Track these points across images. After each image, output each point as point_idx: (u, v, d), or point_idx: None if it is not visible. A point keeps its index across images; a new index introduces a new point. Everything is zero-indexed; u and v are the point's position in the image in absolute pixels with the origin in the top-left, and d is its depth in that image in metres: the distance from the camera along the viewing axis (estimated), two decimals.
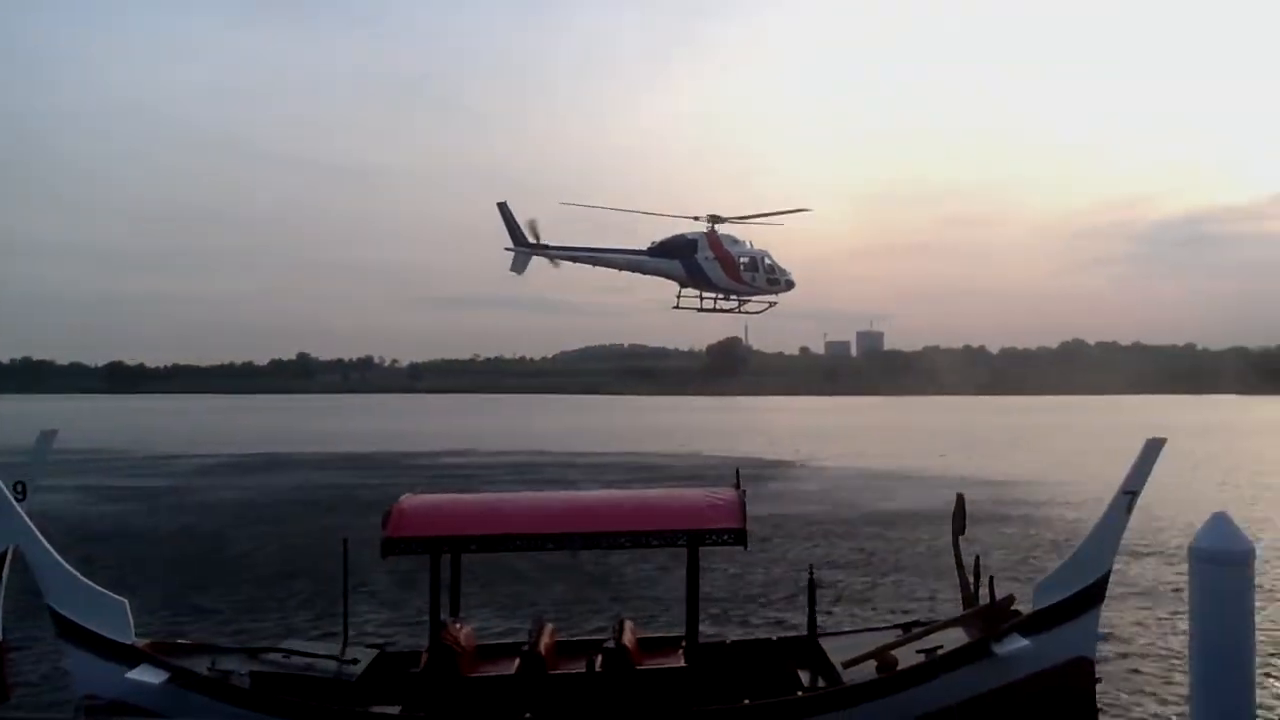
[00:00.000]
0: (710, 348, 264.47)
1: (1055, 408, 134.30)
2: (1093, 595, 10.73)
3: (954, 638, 11.08)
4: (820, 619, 13.36)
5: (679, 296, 44.39)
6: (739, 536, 10.51)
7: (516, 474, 50.11)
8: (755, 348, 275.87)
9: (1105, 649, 15.93)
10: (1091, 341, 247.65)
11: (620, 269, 44.34)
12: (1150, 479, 10.41)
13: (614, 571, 23.05)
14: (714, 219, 42.61)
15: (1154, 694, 14.01)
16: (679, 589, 13.39)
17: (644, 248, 44.07)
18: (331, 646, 11.92)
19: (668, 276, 43.87)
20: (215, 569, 24.17)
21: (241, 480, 48.42)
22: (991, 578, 11.33)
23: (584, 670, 10.56)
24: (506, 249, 42.23)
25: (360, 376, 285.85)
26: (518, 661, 10.91)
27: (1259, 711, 6.19)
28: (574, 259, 42.83)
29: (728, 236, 43.53)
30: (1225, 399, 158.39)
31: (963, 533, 11.80)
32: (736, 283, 43.51)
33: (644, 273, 44.24)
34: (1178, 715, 12.85)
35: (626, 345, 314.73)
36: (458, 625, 11.50)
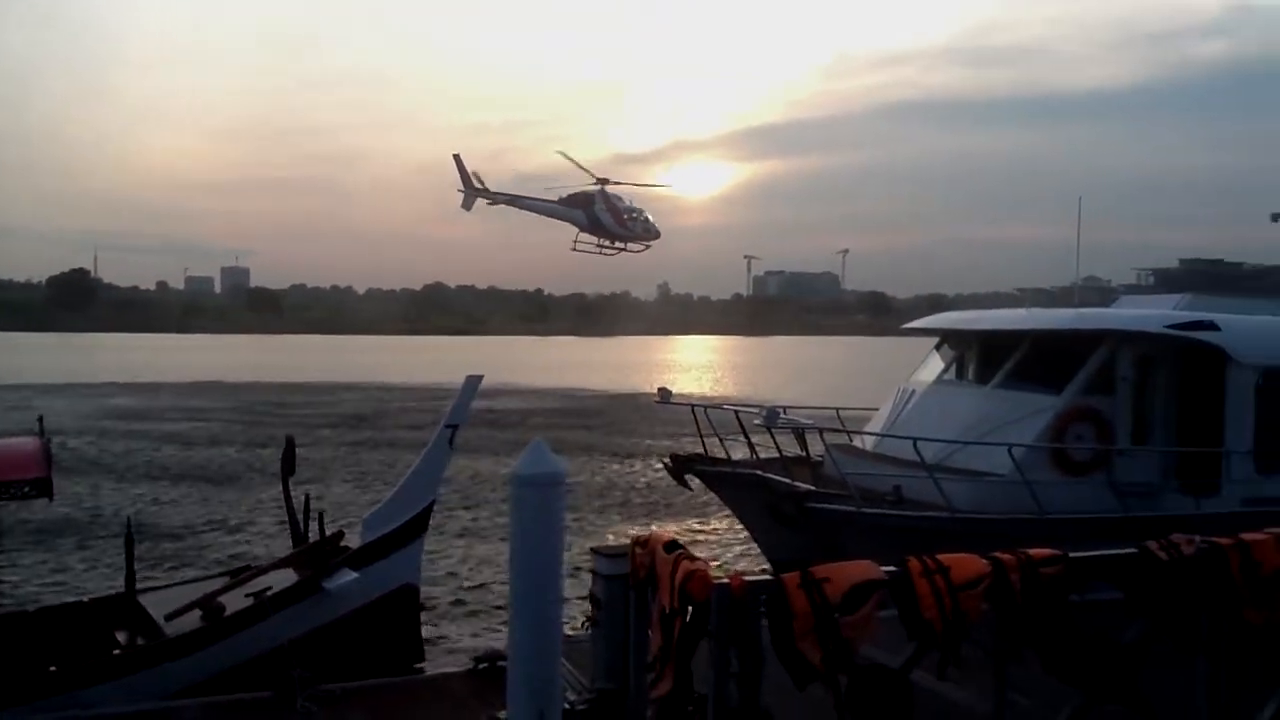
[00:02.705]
0: (51, 279, 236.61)
1: (420, 347, 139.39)
2: (417, 525, 11.13)
3: (284, 578, 10.89)
4: (144, 575, 12.43)
5: (576, 240, 55.90)
6: (42, 487, 9.26)
7: None
8: (106, 280, 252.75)
9: (439, 573, 16.82)
10: (453, 285, 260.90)
11: (538, 213, 56.25)
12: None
13: None
14: (604, 181, 54.24)
15: (478, 611, 15.03)
16: None
17: (556, 199, 55.63)
18: None
19: (572, 222, 55.27)
20: None
21: None
22: (321, 514, 11.29)
23: None
24: (458, 190, 54.71)
25: None
26: None
27: (565, 616, 6.88)
28: (506, 203, 55.35)
29: (615, 195, 55.36)
30: (564, 340, 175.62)
31: (292, 474, 11.65)
32: (623, 229, 55.14)
33: (556, 218, 55.21)
34: (499, 625, 13.83)
35: None
36: None
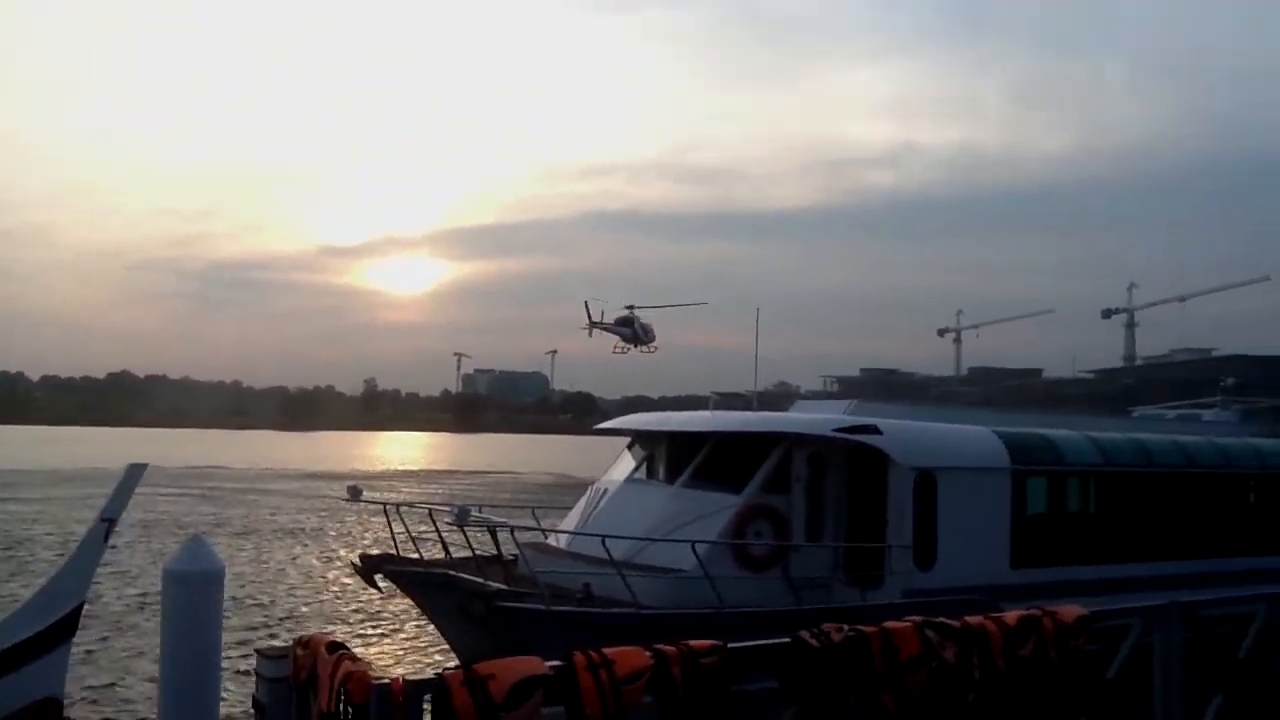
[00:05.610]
0: None
1: (100, 439, 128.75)
2: (63, 630, 10.03)
3: None
4: None
5: (615, 347, 65.96)
6: None
7: None
8: None
9: (89, 681, 15.38)
10: (141, 375, 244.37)
11: (610, 333, 67.31)
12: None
13: None
14: (631, 308, 65.00)
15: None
16: None
17: (613, 322, 65.22)
18: None
19: (620, 337, 66.17)
20: None
21: None
22: None
23: None
24: (581, 328, 62.90)
25: None
26: None
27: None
28: (602, 329, 64.18)
29: (636, 316, 66.65)
30: (266, 434, 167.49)
31: None
32: (646, 336, 65.77)
33: (611, 333, 65.25)
34: None
35: None
36: None
